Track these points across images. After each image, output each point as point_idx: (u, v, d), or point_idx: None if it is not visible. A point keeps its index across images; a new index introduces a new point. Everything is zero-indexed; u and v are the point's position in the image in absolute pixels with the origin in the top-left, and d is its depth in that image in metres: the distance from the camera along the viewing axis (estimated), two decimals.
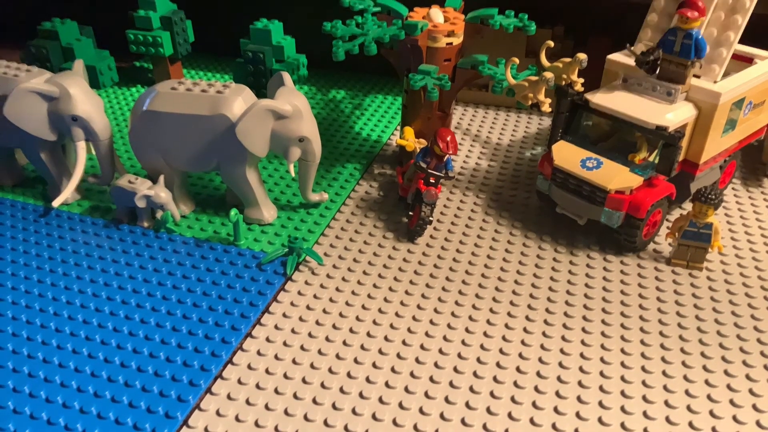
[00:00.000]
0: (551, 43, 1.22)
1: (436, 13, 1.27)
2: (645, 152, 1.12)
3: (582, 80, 1.19)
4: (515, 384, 0.91)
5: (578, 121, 1.20)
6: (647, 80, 1.13)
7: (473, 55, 1.26)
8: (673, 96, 1.11)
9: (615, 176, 1.10)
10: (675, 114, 1.10)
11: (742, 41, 1.19)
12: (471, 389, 0.90)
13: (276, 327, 1.00)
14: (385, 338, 0.98)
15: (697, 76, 1.14)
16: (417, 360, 0.94)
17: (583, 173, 1.12)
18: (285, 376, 0.92)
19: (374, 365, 0.93)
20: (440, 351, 0.96)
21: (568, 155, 1.16)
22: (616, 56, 1.23)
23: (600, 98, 1.16)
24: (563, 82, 1.21)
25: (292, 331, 0.99)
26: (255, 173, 1.19)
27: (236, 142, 1.11)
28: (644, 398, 0.89)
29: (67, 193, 1.22)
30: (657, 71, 1.13)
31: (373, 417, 0.86)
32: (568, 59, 1.19)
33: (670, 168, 1.10)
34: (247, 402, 0.88)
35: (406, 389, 0.90)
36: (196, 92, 1.14)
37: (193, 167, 1.19)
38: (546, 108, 1.19)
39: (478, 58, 1.25)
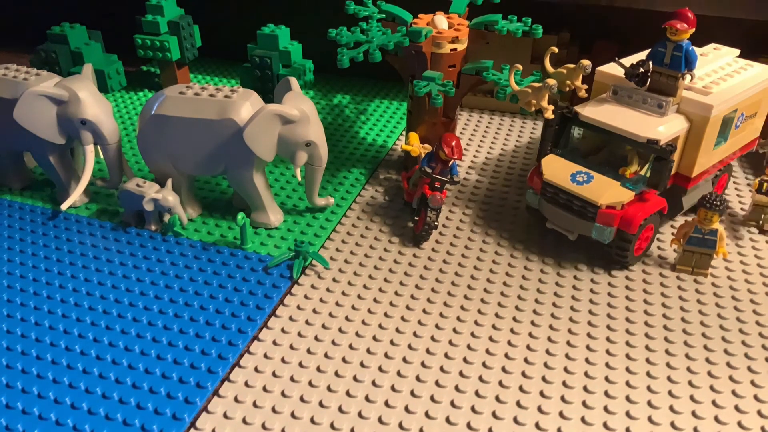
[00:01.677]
0: (555, 49, 1.23)
1: (441, 20, 1.27)
2: (636, 166, 1.10)
3: (585, 86, 1.19)
4: (520, 388, 0.91)
5: (568, 134, 1.18)
6: (638, 92, 1.11)
7: (478, 61, 1.27)
8: (664, 108, 1.08)
9: (606, 191, 1.07)
10: (666, 127, 1.08)
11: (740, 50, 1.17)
12: (476, 393, 0.90)
13: (283, 330, 1.00)
14: (391, 342, 0.98)
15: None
16: (423, 364, 0.95)
17: (573, 188, 1.10)
18: (292, 379, 0.92)
19: (380, 369, 0.94)
20: (446, 355, 0.96)
21: (557, 169, 1.13)
22: (606, 68, 1.20)
23: (590, 111, 1.13)
24: (567, 89, 1.21)
25: (299, 334, 1.00)
26: (262, 177, 1.20)
27: (244, 147, 1.12)
28: (649, 403, 0.89)
29: (76, 196, 1.23)
30: (647, 83, 1.11)
31: (379, 420, 0.87)
32: (572, 65, 1.19)
33: (662, 182, 1.07)
34: (255, 404, 0.89)
35: (412, 393, 0.90)
36: (205, 97, 1.15)
37: (200, 171, 1.20)
38: (549, 114, 1.18)
39: (482, 64, 1.26)
